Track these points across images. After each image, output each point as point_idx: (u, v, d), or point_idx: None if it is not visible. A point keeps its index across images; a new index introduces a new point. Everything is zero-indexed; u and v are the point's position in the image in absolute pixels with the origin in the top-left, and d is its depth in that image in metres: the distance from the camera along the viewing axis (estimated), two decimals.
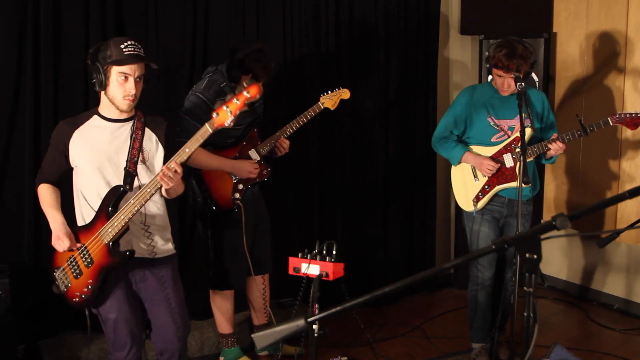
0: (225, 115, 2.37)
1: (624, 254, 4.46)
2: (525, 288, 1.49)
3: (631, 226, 4.01)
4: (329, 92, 3.55)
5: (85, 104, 3.64)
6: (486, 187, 3.43)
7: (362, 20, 4.51)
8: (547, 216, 4.84)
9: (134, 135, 2.65)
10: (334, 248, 2.62)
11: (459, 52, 5.07)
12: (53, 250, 2.58)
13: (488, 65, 3.33)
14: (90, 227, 2.62)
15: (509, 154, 3.37)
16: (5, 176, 3.52)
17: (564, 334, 4.12)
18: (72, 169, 2.68)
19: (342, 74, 4.38)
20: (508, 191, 3.41)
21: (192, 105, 3.24)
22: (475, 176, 3.47)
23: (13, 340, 3.24)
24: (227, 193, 3.38)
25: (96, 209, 2.61)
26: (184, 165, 2.50)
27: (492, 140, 3.41)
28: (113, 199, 2.57)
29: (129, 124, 2.68)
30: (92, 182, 2.62)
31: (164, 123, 2.78)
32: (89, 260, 2.59)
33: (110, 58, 2.52)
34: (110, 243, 2.55)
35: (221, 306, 3.57)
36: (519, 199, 3.09)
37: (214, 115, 2.40)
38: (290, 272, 2.69)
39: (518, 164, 3.29)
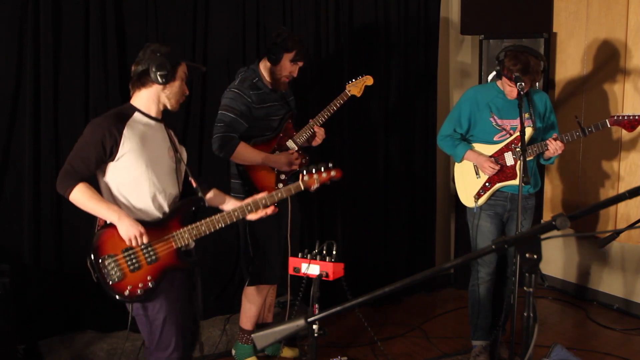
0: (313, 181, 2.80)
1: (624, 254, 4.46)
2: (525, 288, 1.49)
3: (631, 226, 4.01)
4: (353, 79, 3.67)
5: (85, 104, 3.65)
6: (487, 184, 3.46)
7: (362, 21, 4.51)
8: (547, 216, 4.84)
9: (169, 137, 2.69)
10: (334, 248, 2.62)
11: (459, 52, 5.07)
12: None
13: (498, 69, 3.33)
14: (158, 226, 2.57)
15: (510, 152, 3.41)
16: (6, 176, 3.51)
17: (564, 334, 4.12)
18: (104, 165, 2.56)
19: (342, 74, 4.37)
20: (510, 187, 3.45)
21: (228, 101, 3.38)
22: (477, 173, 3.51)
23: (13, 340, 3.23)
24: (271, 183, 3.47)
25: (137, 206, 2.55)
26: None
27: (494, 139, 3.45)
28: (191, 208, 2.66)
29: (162, 124, 2.68)
30: (140, 179, 2.55)
31: (173, 125, 2.81)
32: (153, 257, 2.53)
33: (181, 57, 2.63)
34: (182, 248, 2.60)
35: (253, 301, 3.58)
36: (519, 198, 3.14)
37: (306, 178, 2.78)
38: (290, 272, 2.69)
39: (518, 162, 3.31)
